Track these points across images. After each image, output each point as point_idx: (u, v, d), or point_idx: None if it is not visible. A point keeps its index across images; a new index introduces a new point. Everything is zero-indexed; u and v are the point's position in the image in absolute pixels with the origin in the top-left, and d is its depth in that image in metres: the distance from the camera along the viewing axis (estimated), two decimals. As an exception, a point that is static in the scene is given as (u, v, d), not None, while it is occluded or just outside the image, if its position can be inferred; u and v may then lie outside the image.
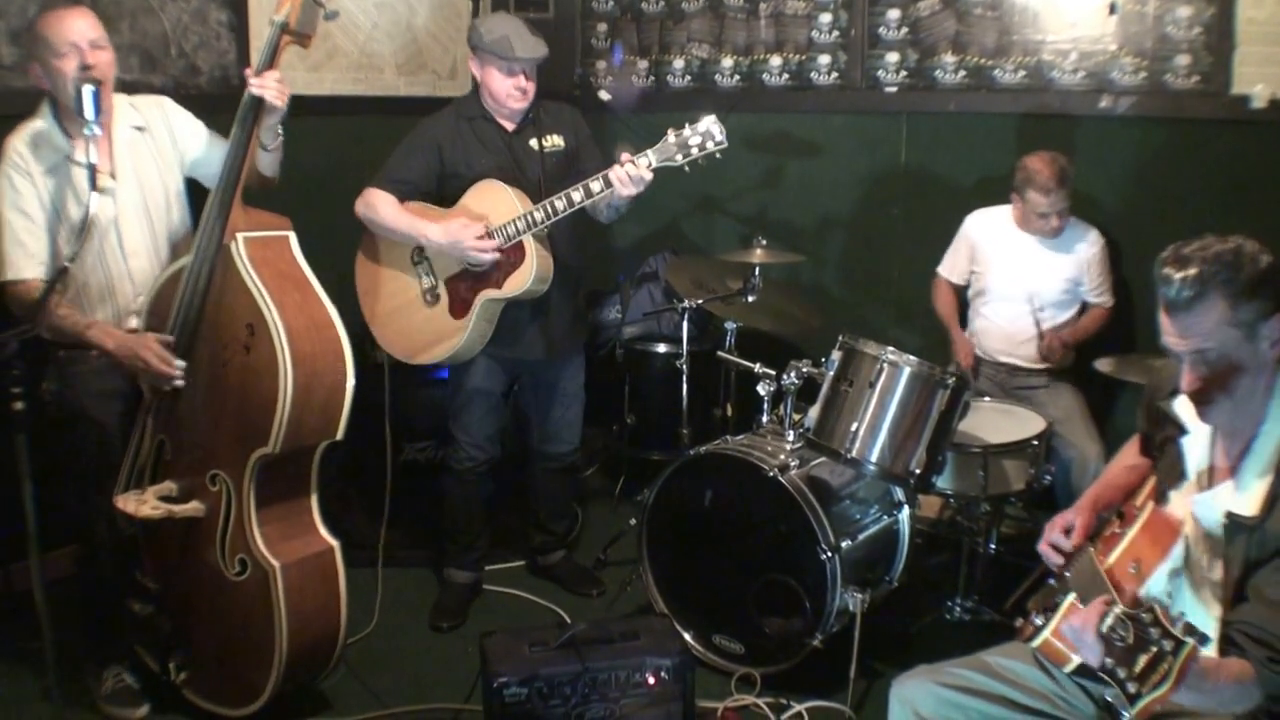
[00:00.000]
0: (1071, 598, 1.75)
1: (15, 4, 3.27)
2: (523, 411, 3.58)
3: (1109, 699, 1.93)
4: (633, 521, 3.37)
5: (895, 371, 2.85)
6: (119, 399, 2.74)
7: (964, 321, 3.82)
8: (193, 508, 2.68)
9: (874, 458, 2.85)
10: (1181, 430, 1.98)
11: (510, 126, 3.24)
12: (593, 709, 2.53)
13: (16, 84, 3.27)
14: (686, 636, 3.07)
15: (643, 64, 4.72)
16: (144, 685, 2.87)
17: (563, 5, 4.80)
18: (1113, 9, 3.60)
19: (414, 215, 3.17)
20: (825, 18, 4.22)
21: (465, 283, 3.19)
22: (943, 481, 3.08)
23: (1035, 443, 3.14)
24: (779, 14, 4.34)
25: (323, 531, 2.78)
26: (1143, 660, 1.53)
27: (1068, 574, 2.06)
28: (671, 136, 2.87)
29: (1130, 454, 2.28)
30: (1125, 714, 1.58)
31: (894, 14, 4.06)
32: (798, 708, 2.89)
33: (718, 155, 2.87)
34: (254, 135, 2.66)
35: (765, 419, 3.30)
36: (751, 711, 2.91)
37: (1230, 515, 1.81)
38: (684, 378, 3.64)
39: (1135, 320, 3.62)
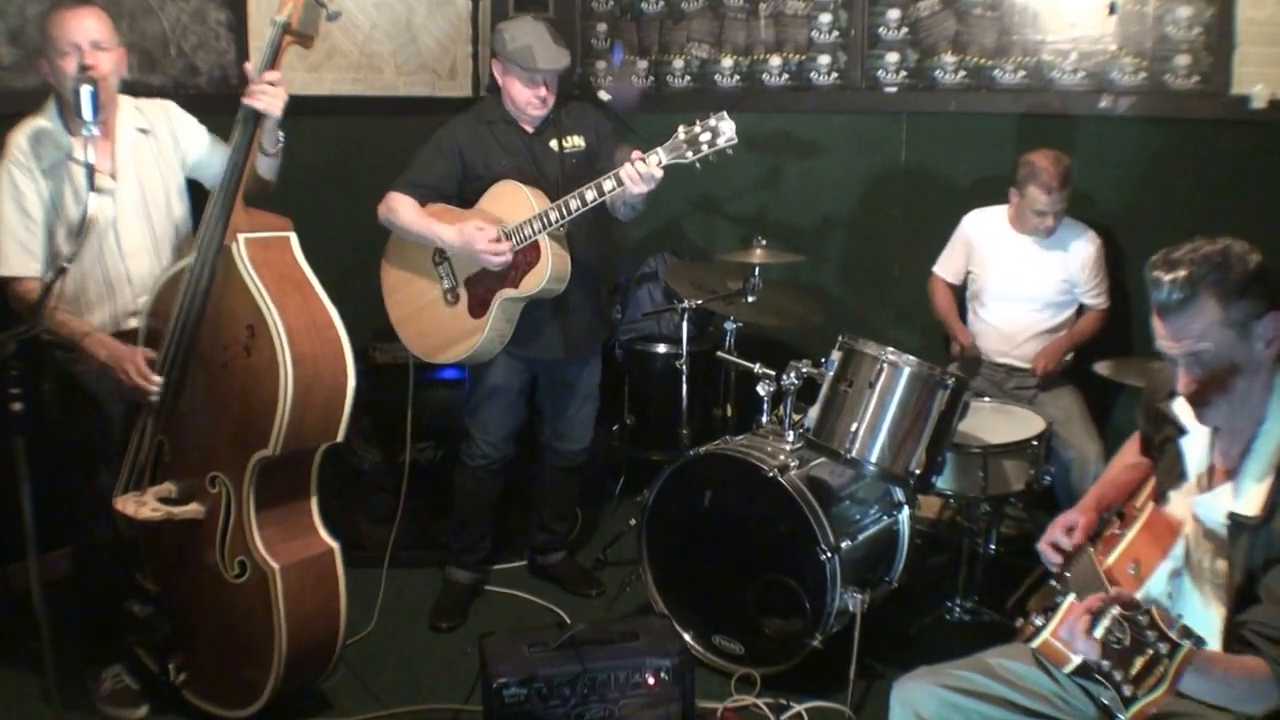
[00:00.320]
0: (1071, 598, 1.75)
1: (14, 4, 3.26)
2: (536, 407, 3.59)
3: (1105, 701, 1.93)
4: (632, 522, 3.38)
5: (895, 372, 2.84)
6: (119, 399, 2.73)
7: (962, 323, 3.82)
8: (192, 510, 2.67)
9: (874, 458, 2.84)
10: (1181, 431, 1.98)
11: (531, 129, 3.26)
12: (592, 709, 2.52)
13: (15, 84, 3.27)
14: (686, 637, 3.07)
15: (642, 64, 4.72)
16: (143, 686, 2.87)
17: (562, 5, 4.80)
18: (1112, 9, 3.60)
19: (431, 218, 3.19)
20: (825, 18, 4.22)
21: (483, 283, 3.20)
22: (942, 482, 3.07)
23: (1035, 443, 3.14)
24: (779, 14, 4.34)
25: (322, 533, 2.77)
26: (1139, 663, 1.53)
27: (1068, 574, 2.06)
28: (682, 133, 2.86)
29: (1131, 453, 2.28)
30: (1121, 717, 1.58)
31: (894, 14, 4.06)
32: (797, 708, 2.89)
33: (729, 152, 2.84)
34: (256, 137, 2.65)
35: (765, 419, 3.30)
36: (751, 712, 2.91)
37: (1233, 516, 1.81)
38: (684, 378, 3.64)
39: (1134, 322, 3.61)
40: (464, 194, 3.25)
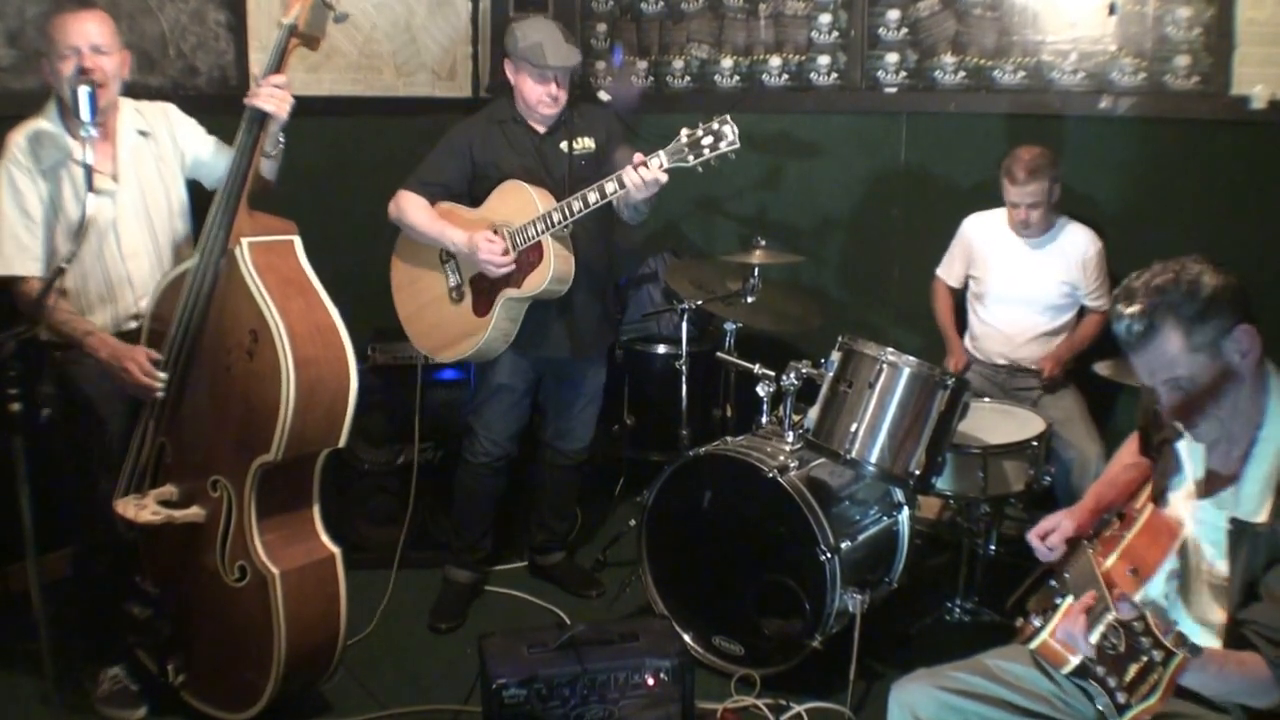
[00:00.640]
0: (1069, 599, 1.75)
1: (13, 5, 3.26)
2: (539, 405, 3.59)
3: (1099, 708, 1.93)
4: (632, 522, 3.37)
5: (895, 372, 2.84)
6: (120, 399, 2.73)
7: (963, 323, 3.82)
8: (193, 513, 2.67)
9: (873, 458, 2.84)
10: (1177, 434, 1.97)
11: (542, 129, 3.27)
12: (592, 710, 2.52)
13: (14, 85, 3.27)
14: (686, 638, 3.06)
15: (642, 64, 4.71)
16: (142, 687, 2.87)
17: (562, 5, 4.80)
18: (1112, 9, 3.60)
19: (441, 219, 3.22)
20: (825, 18, 4.22)
21: (487, 282, 3.22)
22: (942, 482, 3.07)
23: (1035, 443, 3.13)
24: (778, 14, 4.34)
25: (324, 538, 2.76)
26: (1133, 670, 1.53)
27: (1066, 575, 2.05)
28: (684, 136, 2.87)
29: (1129, 452, 2.27)
30: None
31: (894, 14, 4.06)
32: (797, 709, 2.89)
33: (731, 155, 2.84)
34: (260, 140, 2.64)
35: (765, 420, 3.30)
36: (751, 713, 2.91)
37: (1235, 521, 1.81)
38: (683, 379, 3.64)
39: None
40: (474, 193, 3.28)
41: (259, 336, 2.54)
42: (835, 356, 2.97)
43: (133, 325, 2.77)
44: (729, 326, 3.57)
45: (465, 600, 3.50)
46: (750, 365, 3.29)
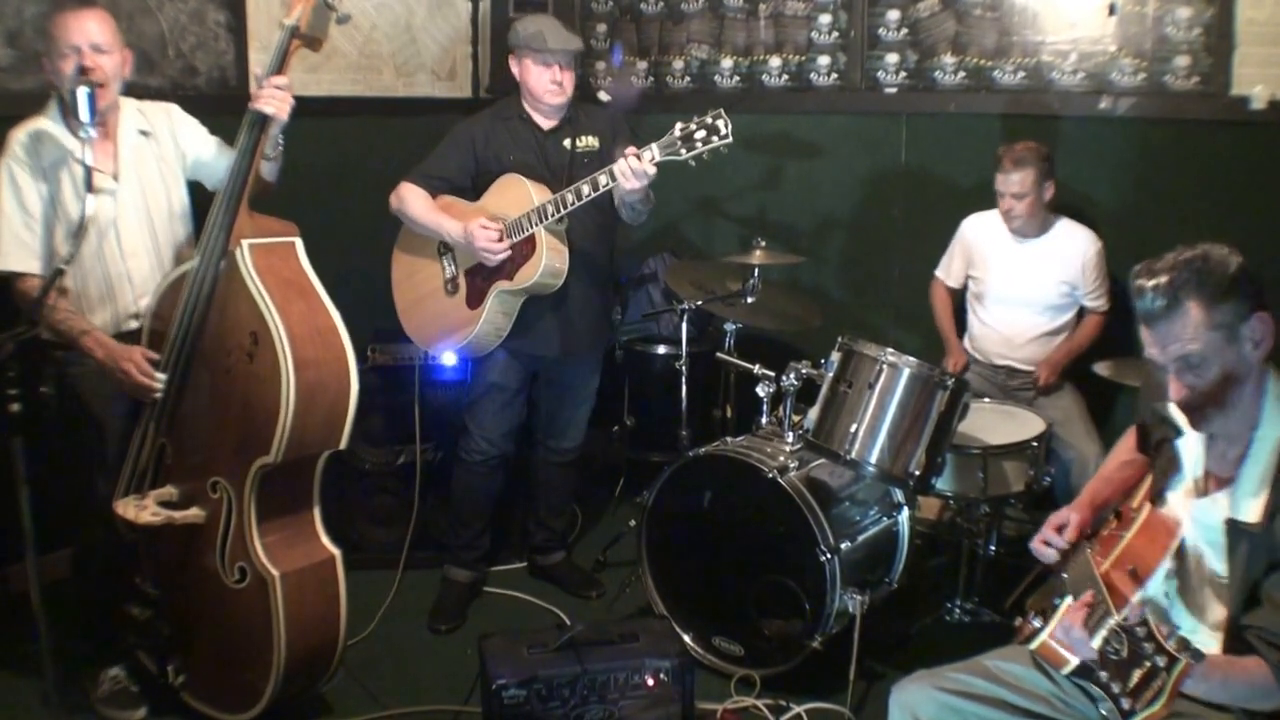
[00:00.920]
0: (1069, 600, 1.75)
1: (11, 5, 3.26)
2: (533, 403, 3.59)
3: (1103, 713, 1.93)
4: (632, 523, 3.37)
5: (894, 373, 2.84)
6: (121, 400, 2.73)
7: (963, 325, 3.82)
8: (193, 514, 2.66)
9: (873, 459, 2.84)
10: (1177, 432, 1.98)
11: (546, 126, 3.28)
12: (592, 711, 2.52)
13: (13, 85, 3.27)
14: (686, 638, 3.06)
15: (642, 65, 4.71)
16: (142, 688, 2.87)
17: (561, 5, 4.80)
18: (1112, 10, 3.60)
19: (438, 210, 3.25)
20: (825, 18, 4.22)
21: (481, 274, 3.24)
22: (942, 483, 3.07)
23: (1035, 444, 3.13)
24: (778, 15, 4.34)
25: (324, 540, 2.76)
26: (1137, 675, 1.53)
27: (1065, 575, 2.05)
28: (677, 130, 2.86)
29: (1126, 449, 2.28)
30: None
31: (893, 15, 4.06)
32: (797, 709, 2.89)
33: (723, 150, 2.83)
34: (261, 142, 2.64)
35: (764, 420, 3.30)
36: (751, 713, 2.91)
37: (1231, 522, 1.81)
38: (683, 379, 3.64)
39: (1134, 322, 3.58)
40: (477, 188, 3.30)
41: (259, 339, 2.54)
42: (835, 357, 2.96)
43: (133, 325, 2.77)
44: (729, 327, 3.57)
45: (465, 600, 3.50)
46: (750, 366, 3.29)
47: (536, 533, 3.72)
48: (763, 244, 3.65)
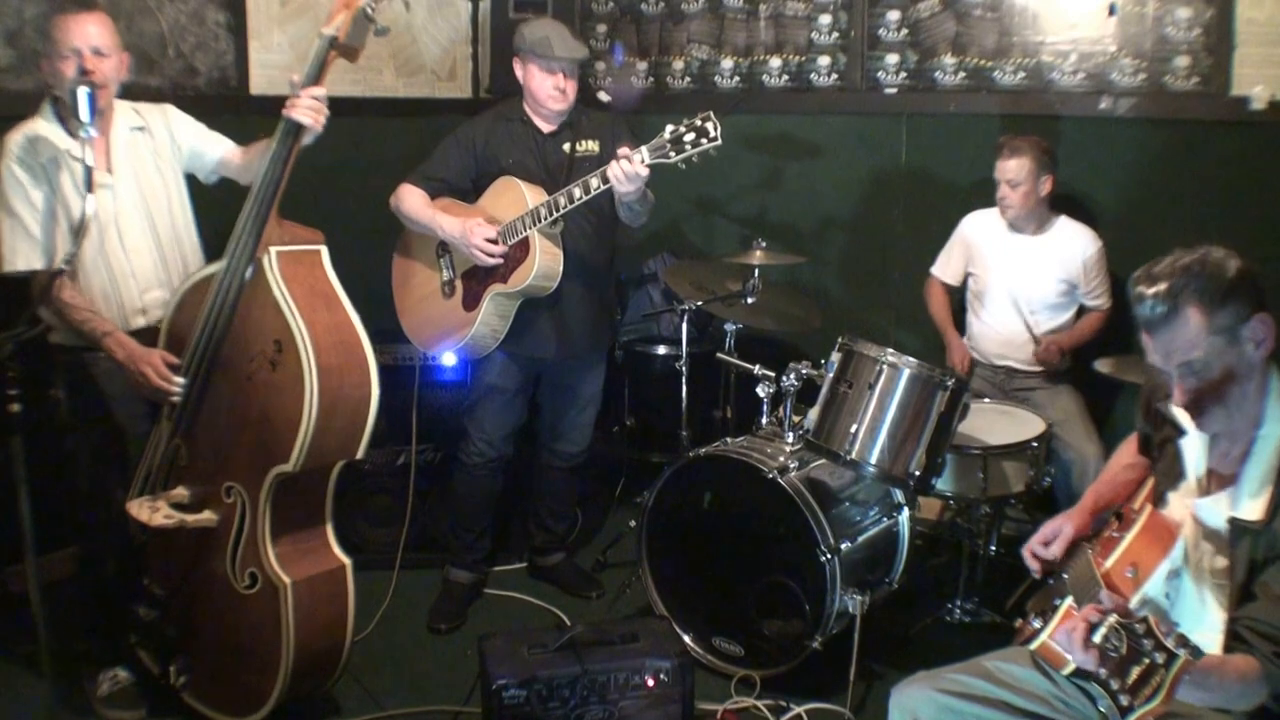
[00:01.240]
0: (1068, 602, 1.75)
1: (11, 5, 3.26)
2: (536, 406, 3.59)
3: (1102, 710, 1.93)
4: (632, 523, 3.37)
5: (895, 373, 2.84)
6: (138, 400, 2.74)
7: (962, 325, 3.82)
8: (205, 518, 2.66)
9: (873, 459, 2.84)
10: (1179, 431, 1.98)
11: (547, 129, 3.29)
12: (592, 711, 2.52)
13: (12, 86, 3.27)
14: (686, 638, 3.06)
15: (642, 65, 4.71)
16: (142, 689, 2.87)
17: (561, 6, 4.79)
18: (1112, 10, 3.60)
19: (435, 210, 3.26)
20: (825, 19, 4.22)
21: (477, 277, 3.25)
22: (942, 483, 3.07)
23: (1035, 444, 3.13)
24: (779, 15, 4.34)
25: (335, 548, 2.75)
26: (1135, 672, 1.53)
27: (1065, 576, 2.05)
28: (667, 132, 2.86)
29: (1128, 452, 2.28)
30: None
31: (893, 15, 4.06)
32: (797, 710, 2.89)
33: (712, 153, 2.83)
34: (294, 151, 2.63)
35: (765, 421, 3.30)
36: (751, 714, 2.91)
37: (1234, 521, 1.81)
38: (684, 379, 3.63)
39: (1133, 321, 3.60)
40: (477, 190, 3.31)
41: (284, 347, 2.52)
42: (835, 357, 2.96)
43: (140, 322, 2.78)
44: (729, 327, 3.57)
45: (465, 601, 3.50)
46: (750, 366, 3.29)
47: (537, 535, 3.72)
48: (763, 244, 3.65)
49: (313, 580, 2.66)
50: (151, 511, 2.61)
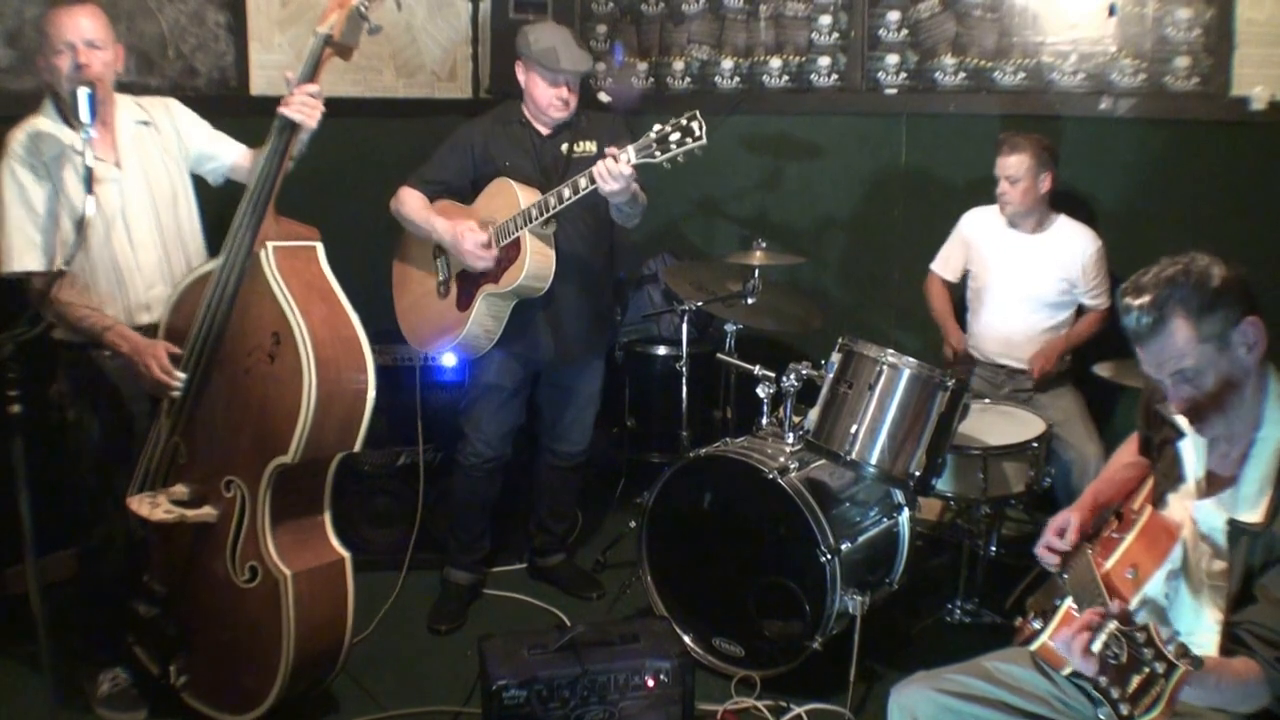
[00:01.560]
0: (1068, 603, 1.75)
1: (11, 5, 3.26)
2: (536, 407, 3.60)
3: (1101, 717, 1.93)
4: (632, 524, 3.37)
5: (895, 374, 2.84)
6: (143, 397, 2.74)
7: (962, 325, 3.81)
8: (205, 513, 2.67)
9: (873, 460, 2.84)
10: (1179, 433, 1.97)
11: (545, 131, 3.29)
12: (592, 712, 2.52)
13: (13, 86, 3.27)
14: (686, 639, 3.06)
15: (643, 66, 4.71)
16: (142, 689, 2.87)
17: (561, 6, 4.80)
18: (1112, 11, 3.60)
19: (431, 212, 3.27)
20: (825, 19, 4.22)
21: (471, 277, 3.26)
22: (942, 484, 3.07)
23: (1035, 445, 3.13)
24: (779, 16, 4.34)
25: (334, 542, 2.76)
26: (1135, 681, 1.53)
27: (1065, 576, 2.05)
28: (653, 132, 2.85)
29: (1129, 452, 2.28)
30: None
31: (894, 16, 4.06)
32: (797, 710, 2.89)
33: (698, 153, 2.80)
34: (289, 147, 2.65)
35: (765, 421, 3.30)
36: (751, 714, 2.91)
37: (1233, 523, 1.81)
38: (684, 380, 3.63)
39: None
40: (476, 191, 3.31)
41: (281, 339, 2.54)
42: (835, 358, 2.96)
43: (145, 318, 2.78)
44: (729, 328, 3.57)
45: (465, 601, 3.50)
46: (750, 366, 3.29)
47: (537, 535, 3.72)
48: (763, 245, 3.65)
49: (313, 573, 2.66)
50: (152, 507, 2.62)
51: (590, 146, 3.31)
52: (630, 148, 2.87)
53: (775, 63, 4.38)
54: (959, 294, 3.83)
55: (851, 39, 4.17)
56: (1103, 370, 3.21)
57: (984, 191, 3.67)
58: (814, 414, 2.97)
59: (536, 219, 3.06)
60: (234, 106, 3.76)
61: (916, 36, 4.03)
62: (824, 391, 2.96)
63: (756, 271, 3.55)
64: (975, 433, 3.15)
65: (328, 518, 2.77)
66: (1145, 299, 1.78)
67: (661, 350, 4.25)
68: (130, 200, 2.74)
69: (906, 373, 2.84)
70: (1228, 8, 3.39)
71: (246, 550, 2.64)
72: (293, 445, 2.53)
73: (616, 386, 4.27)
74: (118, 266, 2.74)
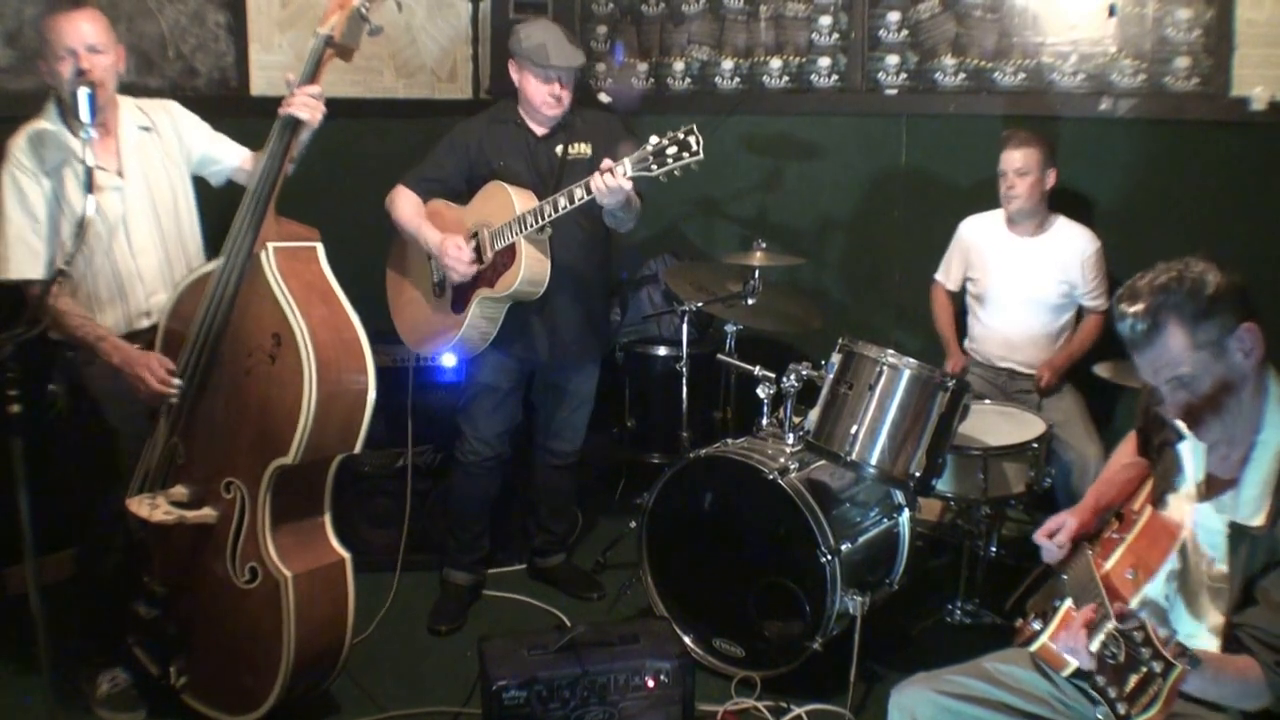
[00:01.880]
0: (1068, 603, 1.75)
1: (11, 6, 3.26)
2: (531, 406, 3.60)
3: (1099, 717, 1.93)
4: (632, 524, 3.37)
5: (895, 374, 2.84)
6: (133, 401, 2.73)
7: (963, 326, 3.82)
8: (205, 514, 2.66)
9: (873, 460, 2.84)
10: (1178, 436, 1.97)
11: (540, 131, 3.29)
12: (592, 712, 2.52)
13: (12, 87, 3.27)
14: (686, 640, 3.06)
15: (643, 66, 4.71)
16: (141, 689, 2.87)
17: (561, 7, 4.80)
18: (1112, 11, 3.60)
19: (423, 217, 3.27)
20: (825, 20, 4.22)
21: (466, 280, 3.24)
22: (943, 484, 3.07)
23: (1035, 445, 3.13)
24: (779, 16, 4.34)
25: (334, 542, 2.76)
26: (1133, 680, 1.53)
27: (1065, 577, 2.05)
28: (650, 145, 2.83)
29: (1127, 452, 2.27)
30: None
31: (894, 16, 4.06)
32: (797, 711, 2.88)
33: (694, 167, 2.80)
34: (291, 147, 2.65)
35: (765, 422, 3.30)
36: (751, 715, 2.91)
37: (1234, 525, 1.81)
38: (684, 380, 3.63)
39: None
40: (471, 191, 3.30)
41: (282, 340, 2.54)
42: (835, 358, 2.96)
43: (145, 323, 2.78)
44: (729, 328, 3.57)
45: (465, 602, 3.50)
46: (750, 367, 3.29)
47: (537, 535, 3.72)
48: (763, 245, 3.65)
49: (313, 574, 2.66)
50: (151, 508, 2.62)
51: (585, 149, 3.30)
52: (626, 161, 2.86)
53: (775, 63, 4.38)
54: (958, 300, 3.83)
55: (851, 39, 4.17)
56: (1103, 370, 3.21)
57: (984, 192, 3.67)
58: (814, 415, 2.97)
59: (533, 226, 3.06)
60: (234, 107, 3.76)
61: (917, 37, 4.03)
62: (824, 392, 2.96)
63: (756, 272, 3.55)
64: (975, 433, 3.15)
65: (328, 519, 2.77)
66: (1140, 306, 1.77)
67: (662, 351, 4.25)
68: (132, 208, 2.74)
69: (906, 373, 2.84)
70: (1228, 8, 3.39)
71: (247, 551, 2.64)
72: (293, 446, 2.53)
73: (617, 387, 4.27)
74: (119, 274, 2.74)
